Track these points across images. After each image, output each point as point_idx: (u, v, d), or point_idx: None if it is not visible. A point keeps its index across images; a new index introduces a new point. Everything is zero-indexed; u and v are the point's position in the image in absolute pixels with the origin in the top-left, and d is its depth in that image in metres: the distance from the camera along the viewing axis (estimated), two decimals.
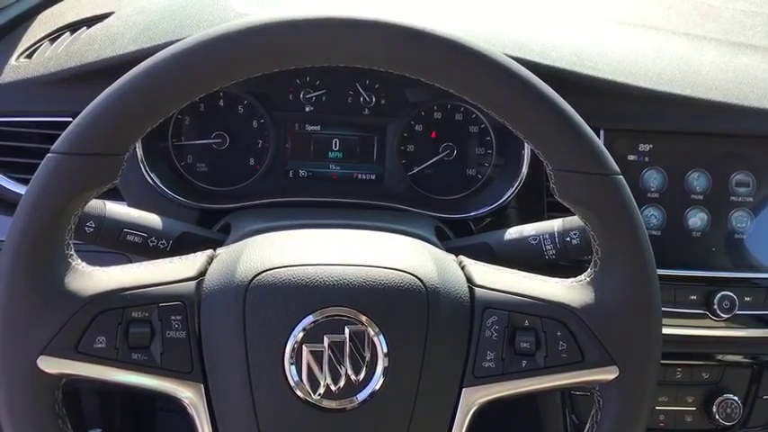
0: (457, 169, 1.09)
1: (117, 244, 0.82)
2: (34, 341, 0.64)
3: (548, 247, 0.85)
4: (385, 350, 0.68)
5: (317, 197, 1.04)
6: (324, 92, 1.06)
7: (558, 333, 0.69)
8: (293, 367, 0.67)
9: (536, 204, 1.03)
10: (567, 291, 0.70)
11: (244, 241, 0.73)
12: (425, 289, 0.69)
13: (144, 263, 0.71)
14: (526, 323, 0.69)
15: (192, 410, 0.69)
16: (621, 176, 0.67)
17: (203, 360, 0.68)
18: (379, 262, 0.70)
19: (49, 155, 0.63)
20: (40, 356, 0.65)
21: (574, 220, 0.86)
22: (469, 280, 0.72)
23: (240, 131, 1.06)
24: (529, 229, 0.88)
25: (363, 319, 0.68)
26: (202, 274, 0.70)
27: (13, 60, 1.04)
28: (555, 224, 0.86)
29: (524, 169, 1.01)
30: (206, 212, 1.01)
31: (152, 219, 0.85)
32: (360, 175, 1.09)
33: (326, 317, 0.67)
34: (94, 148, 0.63)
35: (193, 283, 0.69)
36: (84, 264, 0.68)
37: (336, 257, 0.70)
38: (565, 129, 0.65)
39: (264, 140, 1.07)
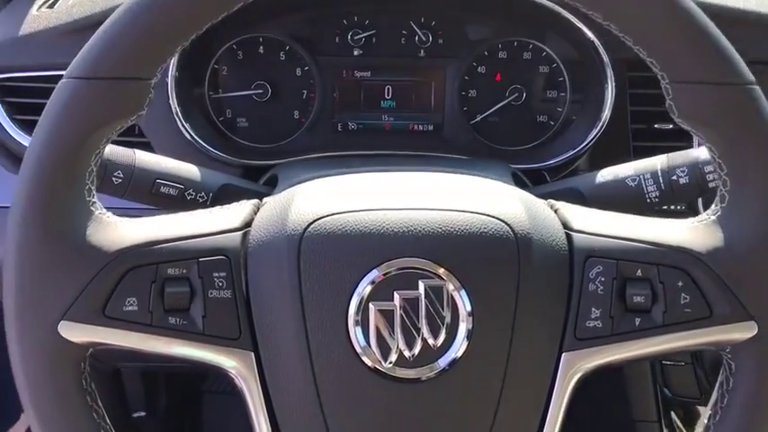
0: (526, 115, 0.98)
1: (149, 197, 0.72)
2: (54, 304, 0.55)
3: (650, 188, 0.73)
4: (468, 309, 0.56)
5: (369, 151, 0.93)
6: (374, 32, 0.96)
7: (680, 283, 0.57)
8: (359, 330, 0.56)
9: (620, 150, 0.91)
10: (688, 232, 0.58)
11: (296, 187, 0.62)
12: (514, 235, 0.57)
13: (180, 213, 0.61)
14: (639, 273, 0.57)
15: (240, 384, 0.59)
16: (758, 87, 0.54)
17: (252, 324, 0.58)
18: (458, 205, 0.59)
19: (63, 80, 0.53)
20: (62, 322, 0.55)
21: (681, 156, 0.73)
22: (566, 225, 0.60)
23: (283, 81, 0.96)
24: (625, 169, 0.75)
25: (441, 271, 0.56)
26: (248, 224, 0.60)
27: (34, 10, 0.95)
28: (658, 161, 0.74)
29: (607, 110, 0.89)
30: (247, 170, 0.91)
31: (189, 169, 0.75)
32: (416, 126, 0.98)
33: (397, 270, 0.56)
34: (116, 71, 0.53)
35: (238, 234, 0.59)
36: (109, 213, 0.58)
37: (407, 201, 0.59)
38: (688, 30, 0.53)
39: (309, 90, 0.97)
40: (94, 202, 0.57)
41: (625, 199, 0.73)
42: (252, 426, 0.59)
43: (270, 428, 0.58)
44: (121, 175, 0.70)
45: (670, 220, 0.61)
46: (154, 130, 0.89)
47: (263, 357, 0.58)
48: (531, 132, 0.98)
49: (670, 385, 0.95)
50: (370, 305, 0.56)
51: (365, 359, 0.57)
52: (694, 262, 0.57)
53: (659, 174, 0.73)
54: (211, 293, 0.57)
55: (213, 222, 0.60)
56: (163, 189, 0.71)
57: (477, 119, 0.98)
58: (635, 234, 0.59)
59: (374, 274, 0.56)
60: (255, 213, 0.61)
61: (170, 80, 0.88)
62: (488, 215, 0.58)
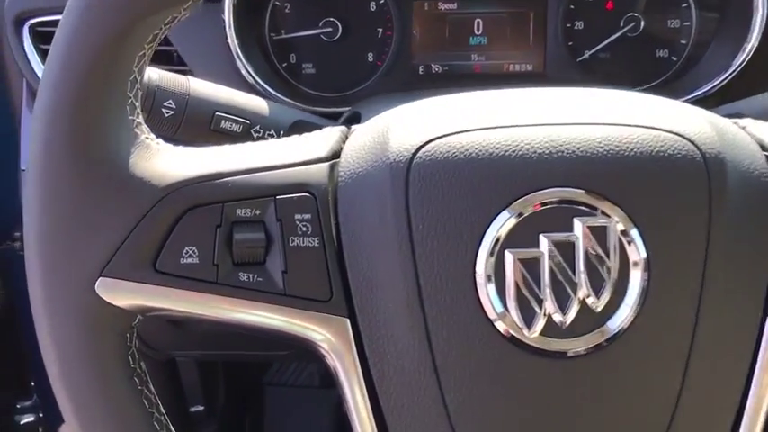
0: (644, 49, 0.83)
1: (207, 134, 0.58)
2: (89, 256, 0.42)
3: None
4: (642, 256, 0.41)
5: None
6: None
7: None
8: (491, 287, 0.42)
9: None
10: None
11: (394, 109, 0.48)
12: (702, 156, 0.42)
13: (249, 143, 0.47)
14: None
15: (332, 361, 0.45)
16: None
17: (347, 281, 0.44)
18: (622, 118, 0.44)
19: None
20: (100, 279, 0.42)
21: None
22: (762, 144, 0.45)
23: (354, 17, 0.84)
24: None
25: (604, 206, 0.42)
26: (336, 154, 0.46)
27: None
28: None
29: (758, 24, 0.73)
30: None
31: (255, 101, 0.61)
32: (512, 67, 0.85)
33: (543, 205, 0.42)
34: None
35: (325, 165, 0.45)
36: (160, 140, 0.45)
37: (550, 116, 0.44)
38: None
39: (385, 27, 0.85)
40: (140, 124, 0.44)
41: None
42: (348, 415, 0.45)
43: (372, 419, 0.44)
44: (173, 106, 0.57)
45: None
46: (205, 69, 0.76)
47: (361, 325, 0.44)
48: (649, 70, 0.83)
49: None
50: (507, 254, 0.42)
51: (500, 326, 0.42)
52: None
53: None
54: (293, 241, 0.44)
55: (292, 152, 0.46)
56: (224, 124, 0.57)
57: (586, 55, 0.84)
58: None
59: (512, 212, 0.42)
60: (344, 142, 0.47)
61: (227, 10, 0.74)
62: (665, 130, 0.43)
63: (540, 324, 0.42)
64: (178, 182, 0.43)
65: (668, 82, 0.82)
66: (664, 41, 0.83)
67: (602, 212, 0.42)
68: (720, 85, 0.75)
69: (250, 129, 0.58)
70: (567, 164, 0.42)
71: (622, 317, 0.42)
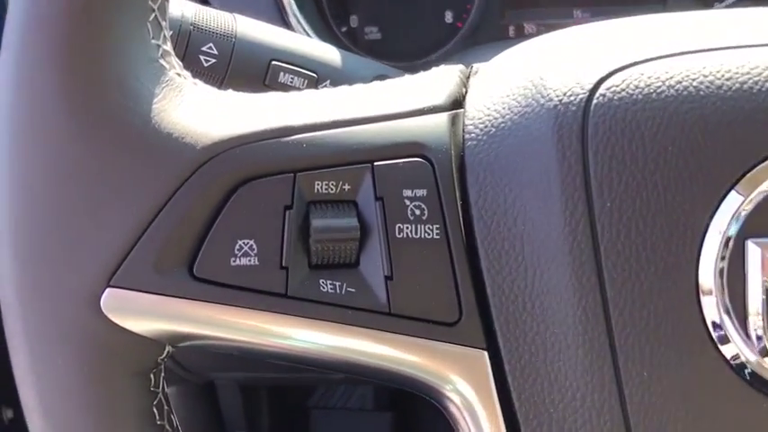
0: None
1: (261, 90, 0.43)
2: (88, 255, 0.27)
3: None
4: None
5: None
6: None
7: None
8: (723, 297, 0.26)
9: None
10: None
11: (547, 35, 0.33)
12: None
13: (326, 89, 0.32)
14: None
15: (461, 417, 0.29)
16: None
17: (484, 292, 0.28)
18: None
19: None
20: (107, 290, 0.27)
21: None
22: None
23: None
24: None
25: None
26: (459, 101, 0.31)
27: None
28: None
29: None
30: None
31: (323, 48, 0.46)
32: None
33: None
34: None
35: (444, 116, 0.30)
36: (197, 80, 0.30)
37: None
38: None
39: None
40: (168, 53, 0.29)
41: None
42: None
43: None
44: (214, 52, 0.42)
45: None
46: None
47: (506, 361, 0.28)
48: None
49: None
50: (750, 246, 0.26)
51: (734, 356, 0.26)
52: None
53: None
54: (401, 231, 0.28)
55: (393, 99, 0.31)
56: (284, 77, 0.42)
57: (726, 3, 0.67)
58: None
59: (755, 179, 0.26)
60: (467, 82, 0.32)
61: None
62: None
63: None
64: (225, 140, 0.28)
65: None
66: None
67: None
68: None
69: (317, 84, 0.43)
70: None
71: None
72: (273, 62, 0.43)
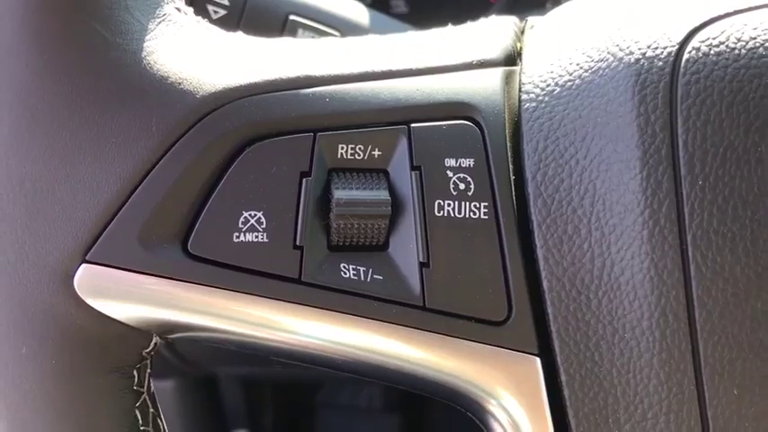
0: None
1: None
2: (59, 224, 0.22)
3: None
4: None
5: None
6: None
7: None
8: None
9: None
10: None
11: None
12: None
13: (356, 38, 0.27)
14: None
15: (502, 427, 0.24)
16: None
17: (540, 286, 0.23)
18: None
19: None
20: (83, 266, 0.22)
21: None
22: None
23: None
24: None
25: None
26: (513, 57, 0.26)
27: None
28: None
29: None
30: None
31: (347, 4, 0.41)
32: None
33: None
34: None
35: (498, 72, 0.25)
36: (200, 18, 0.25)
37: None
38: None
39: None
40: None
41: None
42: None
43: None
44: (225, 2, 0.37)
45: None
46: None
47: (562, 368, 0.23)
48: None
49: None
50: None
51: None
52: None
53: None
54: (442, 208, 0.23)
55: (436, 50, 0.26)
56: (303, 34, 0.37)
57: None
58: None
59: None
60: (521, 38, 0.27)
61: None
62: None
63: None
64: (232, 89, 0.23)
65: None
66: None
67: None
68: None
69: None
70: None
71: None
72: (291, 17, 0.38)
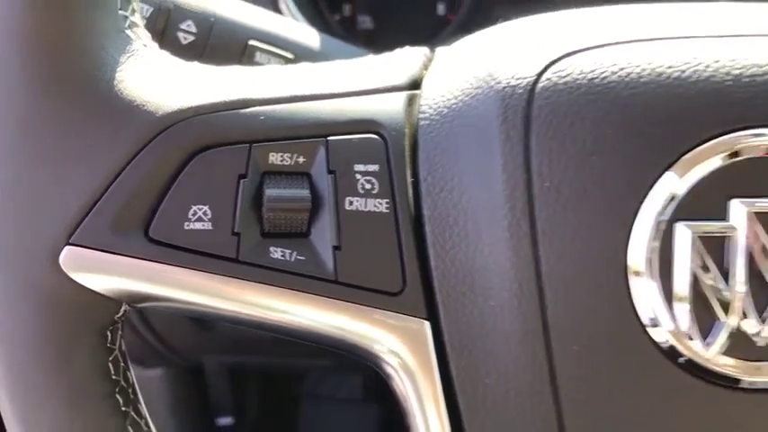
0: None
1: None
2: (48, 214, 0.28)
3: None
4: None
5: None
6: None
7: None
8: (652, 280, 0.27)
9: None
10: None
11: (505, 23, 0.34)
12: None
13: (292, 65, 0.33)
14: None
15: (401, 382, 0.30)
16: None
17: (428, 265, 0.29)
18: None
19: None
20: (66, 248, 0.28)
21: None
22: None
23: None
24: None
25: None
26: (417, 82, 0.32)
27: None
28: None
29: None
30: None
31: (302, 30, 0.47)
32: None
33: (738, 155, 0.27)
34: None
35: (401, 96, 0.31)
36: (164, 51, 0.31)
37: (749, 25, 0.30)
38: None
39: None
40: (135, 24, 0.30)
41: None
42: None
43: None
44: (193, 30, 0.43)
45: None
46: None
47: (446, 331, 0.30)
48: None
49: None
50: (681, 228, 0.27)
51: (663, 340, 0.27)
52: None
53: None
54: (351, 203, 0.30)
55: (354, 76, 0.32)
56: (260, 57, 0.43)
57: None
58: None
59: (689, 165, 0.27)
60: (427, 67, 0.33)
61: None
62: None
63: (724, 338, 0.27)
64: (185, 109, 0.29)
65: None
66: None
67: None
68: None
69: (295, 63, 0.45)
70: None
71: None
72: (251, 42, 0.44)
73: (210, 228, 0.29)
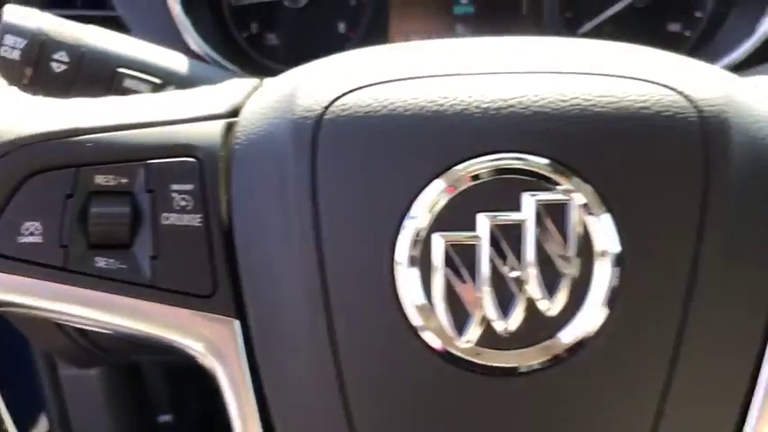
0: (654, 23, 0.73)
1: (108, 95, 0.48)
2: None
3: None
4: (614, 246, 0.31)
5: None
6: None
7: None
8: (414, 283, 0.32)
9: None
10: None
11: (317, 61, 0.39)
12: (700, 117, 0.32)
13: (124, 97, 0.38)
14: None
15: (218, 375, 0.35)
16: None
17: (237, 272, 0.34)
18: (597, 67, 0.34)
19: None
20: None
21: None
22: None
23: None
24: None
25: (565, 179, 0.32)
26: (237, 111, 0.36)
27: None
28: None
29: None
30: None
31: (170, 56, 0.51)
32: None
33: (484, 176, 0.32)
34: None
35: (219, 124, 0.36)
36: (4, 82, 0.36)
37: (500, 64, 0.35)
38: None
39: None
40: None
41: None
42: None
43: None
44: (66, 59, 0.47)
45: None
46: (149, 38, 0.67)
47: (252, 328, 0.34)
48: (660, 47, 0.72)
49: None
50: (436, 238, 0.32)
51: (425, 334, 0.32)
52: None
53: None
54: (167, 218, 0.34)
55: (177, 105, 0.36)
56: (128, 83, 0.48)
57: (586, 28, 0.73)
58: None
59: (444, 183, 0.32)
60: (251, 95, 0.38)
61: None
62: (654, 82, 0.33)
63: (474, 331, 0.32)
64: (20, 138, 0.33)
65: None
66: (676, 14, 0.72)
67: (562, 187, 0.32)
68: (737, 63, 0.65)
69: (162, 90, 0.49)
70: (517, 123, 0.32)
71: (584, 323, 0.32)
72: (119, 69, 0.48)
73: (41, 241, 0.33)
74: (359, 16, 0.74)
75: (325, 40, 0.75)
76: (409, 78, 0.34)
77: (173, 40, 0.67)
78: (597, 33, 0.73)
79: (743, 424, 0.33)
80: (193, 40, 0.67)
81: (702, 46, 0.71)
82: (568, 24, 0.73)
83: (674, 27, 0.73)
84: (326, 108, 0.33)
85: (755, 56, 0.65)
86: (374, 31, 0.74)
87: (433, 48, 0.37)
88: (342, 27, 0.75)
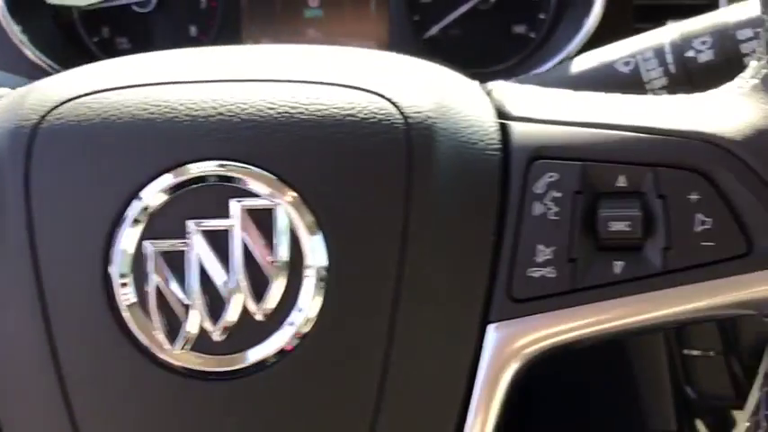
0: (499, 25, 0.75)
1: None
2: None
3: (652, 72, 0.48)
4: (319, 248, 0.32)
5: None
6: None
7: (694, 197, 0.32)
8: (128, 291, 0.33)
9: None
10: (704, 112, 0.34)
11: (58, 75, 0.39)
12: (405, 122, 0.33)
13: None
14: (622, 182, 0.33)
15: None
16: None
17: None
18: (305, 74, 0.35)
19: None
20: None
21: (700, 22, 0.48)
22: (502, 110, 0.36)
23: None
24: (616, 50, 0.50)
25: (270, 184, 0.33)
26: None
27: None
28: (665, 34, 0.49)
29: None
30: None
31: None
32: (351, 44, 0.75)
33: (191, 182, 0.33)
34: None
35: None
36: None
37: (213, 72, 0.36)
38: None
39: None
40: None
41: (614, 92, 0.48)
42: None
43: None
44: None
45: (672, 96, 0.36)
46: None
47: None
48: (504, 48, 0.74)
49: (694, 383, 0.69)
50: (147, 245, 0.33)
51: (141, 341, 0.33)
52: (720, 157, 0.32)
53: (666, 50, 0.48)
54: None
55: None
56: None
57: (433, 31, 0.74)
58: (616, 118, 0.34)
59: (151, 191, 0.33)
60: None
61: None
62: (359, 88, 0.34)
63: (185, 337, 0.33)
64: None
65: (524, 60, 0.73)
66: (520, 16, 0.74)
67: (267, 192, 0.32)
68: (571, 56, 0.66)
69: None
70: (223, 130, 0.33)
71: (293, 327, 0.33)
72: None
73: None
74: (210, 20, 0.75)
75: (176, 43, 0.75)
76: (129, 87, 0.34)
77: (12, 53, 0.67)
78: (444, 36, 0.74)
79: (463, 424, 0.34)
80: (30, 51, 0.67)
81: (545, 45, 0.73)
82: (416, 27, 0.74)
83: (519, 29, 0.74)
84: (43, 117, 0.34)
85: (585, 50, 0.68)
86: (226, 35, 0.74)
87: (168, 56, 0.38)
88: (193, 31, 0.75)
